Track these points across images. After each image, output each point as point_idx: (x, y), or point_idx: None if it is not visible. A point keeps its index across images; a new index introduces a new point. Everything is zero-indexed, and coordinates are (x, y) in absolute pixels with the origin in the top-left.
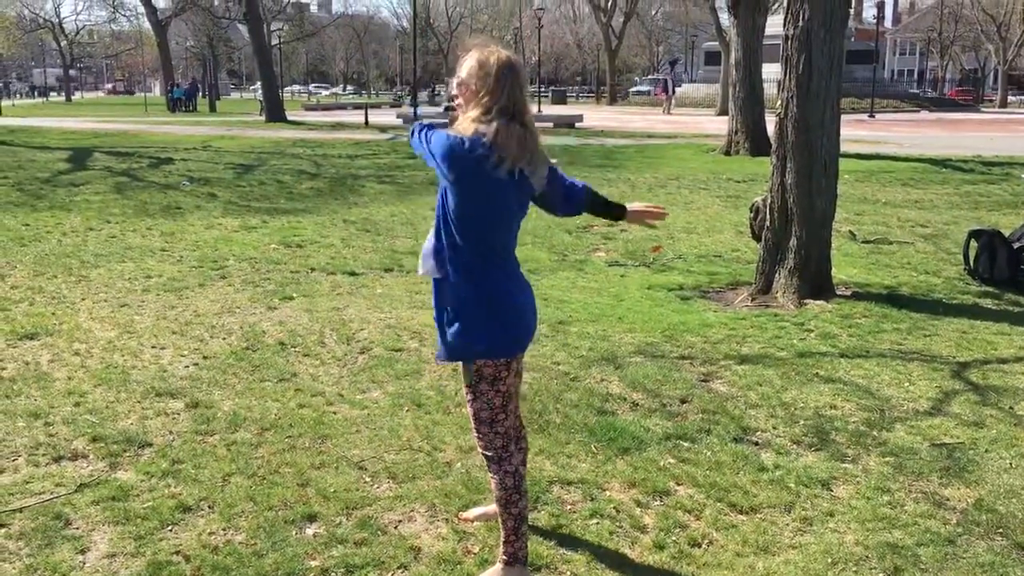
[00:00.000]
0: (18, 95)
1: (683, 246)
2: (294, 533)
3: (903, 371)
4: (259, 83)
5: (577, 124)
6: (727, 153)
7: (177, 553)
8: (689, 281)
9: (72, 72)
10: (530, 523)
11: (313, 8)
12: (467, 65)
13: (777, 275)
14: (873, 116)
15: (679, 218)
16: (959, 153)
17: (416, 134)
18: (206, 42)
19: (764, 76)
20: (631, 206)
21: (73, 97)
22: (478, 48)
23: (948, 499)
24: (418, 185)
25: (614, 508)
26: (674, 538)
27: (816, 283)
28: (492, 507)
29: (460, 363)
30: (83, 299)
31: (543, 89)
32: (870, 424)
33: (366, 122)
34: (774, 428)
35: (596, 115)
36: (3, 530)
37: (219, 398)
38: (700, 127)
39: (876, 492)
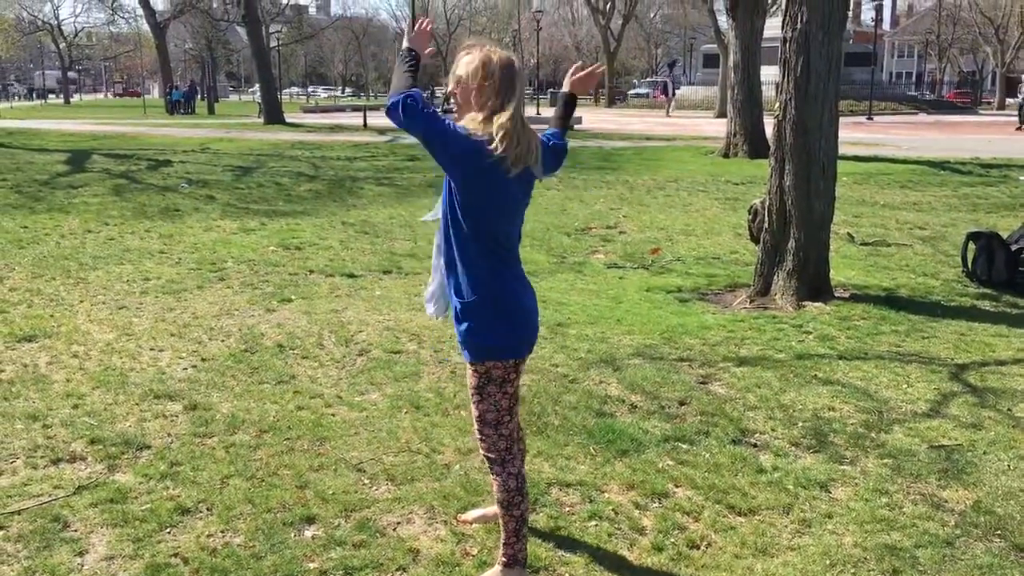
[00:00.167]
0: (16, 97)
1: (682, 248)
2: (293, 535)
3: (901, 373)
4: (257, 85)
5: (575, 126)
6: (726, 155)
7: (175, 555)
8: (688, 283)
9: (72, 74)
10: (529, 525)
11: (312, 10)
12: (469, 64)
13: (775, 277)
14: (871, 118)
15: (678, 220)
16: (957, 155)
17: (418, 112)
18: (205, 44)
19: (763, 78)
20: (568, 86)
21: (72, 99)
22: (478, 48)
23: (946, 501)
24: (416, 187)
25: (613, 510)
26: (673, 540)
27: (814, 285)
28: (491, 509)
29: (468, 364)
30: (81, 301)
31: (541, 91)
32: (868, 426)
33: (364, 124)
34: (772, 430)
35: (594, 117)
36: (1, 532)
37: (217, 400)
38: (699, 129)
39: (874, 494)
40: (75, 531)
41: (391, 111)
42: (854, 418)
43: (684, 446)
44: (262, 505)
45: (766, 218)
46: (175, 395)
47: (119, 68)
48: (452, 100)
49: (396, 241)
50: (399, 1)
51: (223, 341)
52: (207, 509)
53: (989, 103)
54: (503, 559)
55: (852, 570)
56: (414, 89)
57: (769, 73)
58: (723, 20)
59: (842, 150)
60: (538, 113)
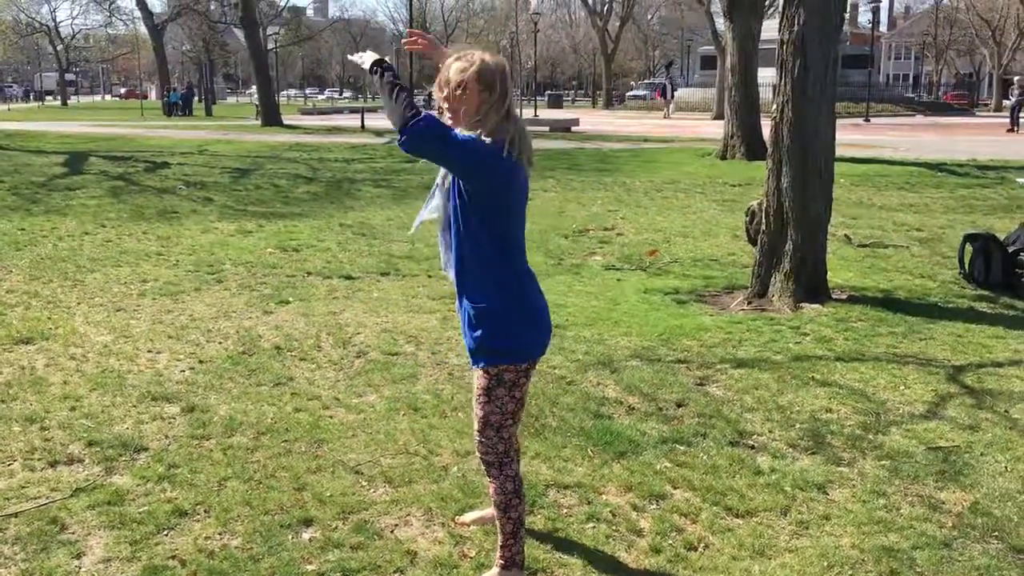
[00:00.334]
0: (14, 99)
1: (679, 250)
2: (290, 537)
3: (899, 375)
4: (255, 87)
5: (573, 128)
6: (723, 157)
7: (173, 558)
8: (685, 285)
9: (70, 76)
10: (527, 527)
11: (309, 12)
12: (465, 72)
13: (773, 279)
14: (868, 120)
15: (675, 222)
16: (954, 157)
17: (430, 132)
18: (202, 46)
19: (760, 80)
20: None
21: (69, 101)
22: (469, 54)
23: (944, 502)
24: (414, 189)
25: (610, 512)
26: (670, 542)
27: (812, 287)
28: (489, 511)
29: (477, 368)
30: (79, 303)
31: (539, 94)
32: (866, 428)
33: (362, 126)
34: (770, 432)
35: (592, 119)
36: None
37: (215, 402)
38: (696, 131)
39: (872, 495)
40: (72, 533)
41: (412, 141)
42: (851, 420)
43: (682, 448)
44: (260, 507)
45: (763, 220)
46: (172, 397)
47: (117, 70)
48: (441, 108)
49: (394, 243)
50: (396, 3)
51: (221, 343)
52: (204, 511)
53: (986, 105)
54: (500, 561)
55: (849, 571)
56: (423, 112)
57: (766, 75)
58: (720, 22)
59: (839, 152)
60: (536, 115)
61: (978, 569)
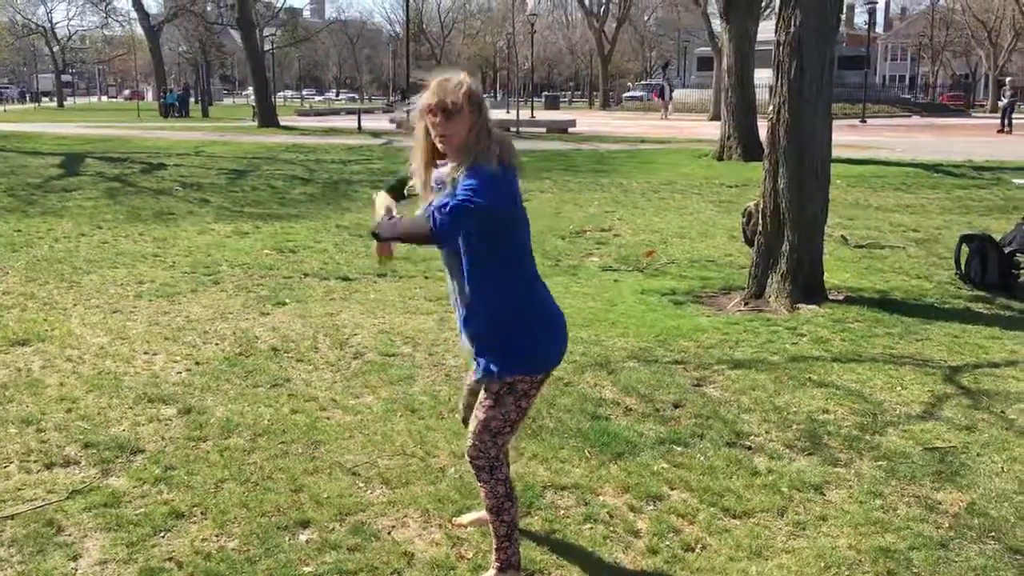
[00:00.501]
0: (10, 100)
1: (676, 251)
2: (287, 539)
3: (895, 375)
4: (252, 88)
5: (570, 129)
6: (720, 158)
7: (170, 559)
8: (682, 286)
9: (67, 77)
10: (524, 528)
11: (306, 13)
12: (458, 93)
13: (770, 280)
14: (865, 121)
15: (672, 223)
16: (950, 158)
17: (452, 219)
18: (199, 47)
19: (756, 81)
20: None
21: (65, 103)
22: (453, 76)
23: (940, 503)
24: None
25: (608, 513)
26: (667, 543)
27: (809, 288)
28: (485, 512)
29: (490, 377)
30: (75, 305)
31: (536, 95)
32: (862, 428)
33: (359, 127)
34: (767, 432)
35: (589, 120)
36: None
37: (212, 404)
38: (693, 132)
39: (869, 496)
40: (69, 536)
41: (446, 236)
42: (848, 420)
43: (679, 449)
44: (256, 509)
45: (760, 221)
46: (169, 399)
47: (113, 71)
48: (437, 130)
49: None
50: (393, 4)
51: (217, 345)
52: (201, 513)
53: (982, 106)
54: (496, 564)
55: (846, 572)
56: (430, 211)
57: (763, 76)
58: (717, 23)
59: (835, 153)
60: (532, 116)
61: (975, 570)
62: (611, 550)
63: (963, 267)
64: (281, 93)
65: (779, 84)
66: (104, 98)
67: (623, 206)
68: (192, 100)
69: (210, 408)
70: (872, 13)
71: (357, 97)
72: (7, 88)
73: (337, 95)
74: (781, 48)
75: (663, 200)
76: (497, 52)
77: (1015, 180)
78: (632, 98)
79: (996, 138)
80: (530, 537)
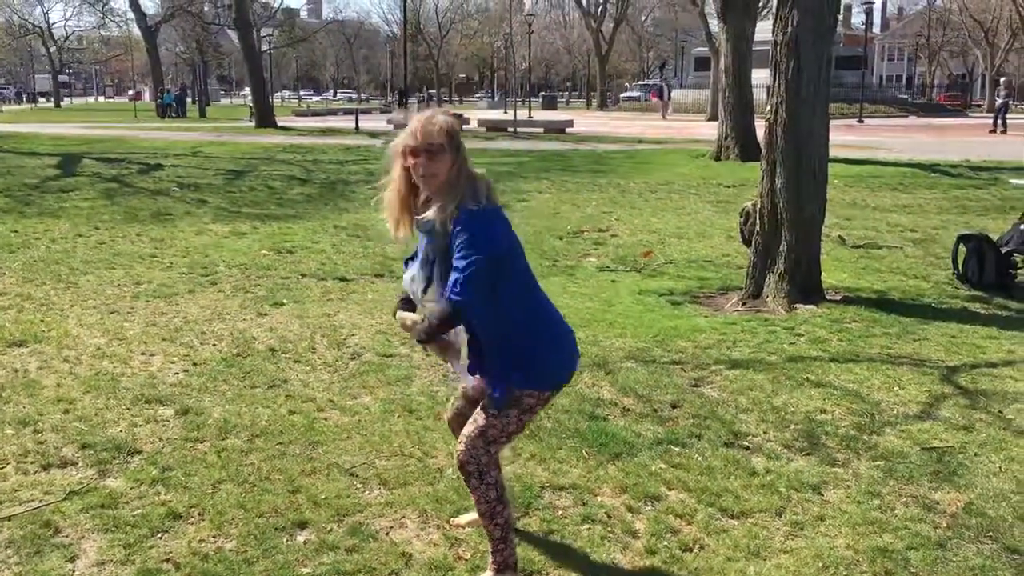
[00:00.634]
0: (6, 101)
1: (674, 251)
2: (285, 540)
3: (893, 375)
4: (249, 89)
5: (567, 129)
6: (717, 158)
7: (167, 561)
8: (680, 286)
9: (64, 78)
10: (521, 529)
11: (303, 14)
12: (437, 132)
13: (767, 280)
14: (862, 121)
15: (669, 223)
16: (947, 158)
17: (466, 291)
18: (196, 48)
19: (754, 81)
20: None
21: (62, 103)
22: (430, 115)
23: (938, 503)
24: None
25: (605, 513)
26: (665, 543)
27: (806, 288)
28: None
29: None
30: (72, 306)
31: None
32: (860, 428)
33: (356, 127)
34: (765, 433)
35: (586, 120)
36: None
37: (209, 405)
38: (690, 132)
39: (866, 496)
40: (66, 537)
41: (467, 307)
42: (846, 420)
43: (677, 449)
44: (254, 510)
45: (758, 221)
46: (166, 400)
47: (110, 72)
48: (419, 171)
49: (388, 245)
50: (391, 4)
51: (215, 345)
52: (199, 514)
53: (979, 106)
54: (493, 566)
55: (844, 572)
56: (447, 294)
57: (760, 76)
58: (714, 23)
59: (833, 153)
60: (530, 116)
61: (972, 569)
62: (609, 550)
63: (960, 267)
64: (278, 93)
65: (776, 84)
66: (101, 98)
67: (621, 206)
68: (189, 100)
69: (207, 409)
70: (869, 13)
71: (355, 96)
72: (4, 89)
73: (335, 95)
74: (778, 48)
75: (661, 200)
76: (494, 52)
77: (1012, 180)
78: (629, 98)
79: (993, 138)
80: (528, 537)
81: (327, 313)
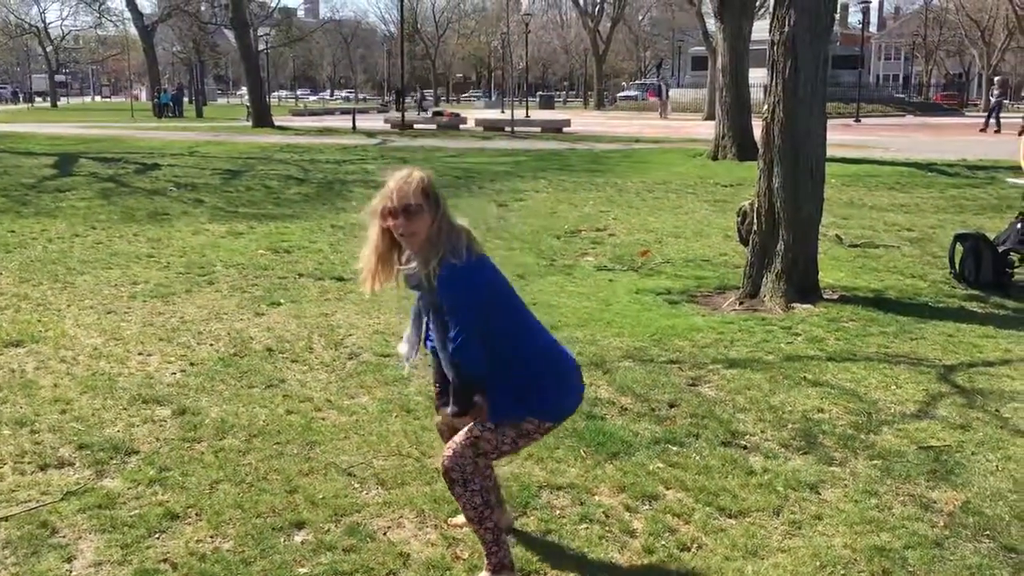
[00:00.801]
0: (3, 100)
1: (671, 250)
2: (282, 540)
3: (890, 374)
4: (246, 88)
5: (564, 129)
6: (714, 158)
7: (164, 561)
8: (677, 285)
9: (61, 77)
10: (519, 528)
11: (300, 13)
12: (412, 190)
13: (765, 279)
14: (859, 120)
15: (667, 222)
16: (944, 157)
17: (464, 350)
18: (192, 47)
19: (751, 81)
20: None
21: (59, 103)
22: (405, 173)
23: (935, 502)
24: None
25: (603, 513)
26: (663, 542)
27: (803, 287)
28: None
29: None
30: (69, 306)
31: (530, 94)
32: (857, 427)
33: (354, 127)
34: (762, 432)
35: (583, 120)
36: None
37: (206, 405)
38: (687, 132)
39: (864, 495)
40: (63, 537)
41: (471, 367)
42: (843, 419)
43: (674, 448)
44: (251, 510)
45: (755, 220)
46: (163, 400)
47: (107, 71)
48: (399, 229)
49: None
50: (388, 4)
51: (212, 345)
52: (196, 514)
53: (976, 105)
54: (489, 567)
55: (842, 571)
56: (451, 362)
57: (757, 75)
58: (711, 23)
59: (830, 152)
60: (527, 115)
61: (970, 568)
62: (607, 550)
63: (957, 266)
64: (275, 93)
65: (774, 83)
66: (98, 98)
67: (618, 206)
68: (186, 100)
69: (205, 409)
70: (866, 12)
71: (353, 95)
72: (1, 88)
73: (332, 94)
74: (776, 47)
75: (658, 200)
76: (492, 52)
77: (1009, 179)
78: (627, 98)
79: (986, 137)
80: (526, 537)
81: (324, 313)
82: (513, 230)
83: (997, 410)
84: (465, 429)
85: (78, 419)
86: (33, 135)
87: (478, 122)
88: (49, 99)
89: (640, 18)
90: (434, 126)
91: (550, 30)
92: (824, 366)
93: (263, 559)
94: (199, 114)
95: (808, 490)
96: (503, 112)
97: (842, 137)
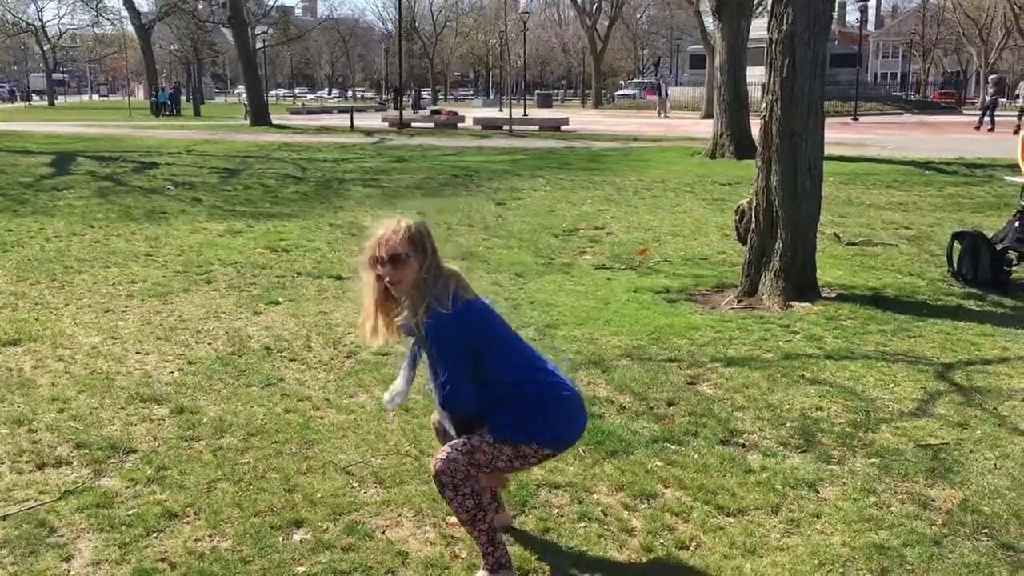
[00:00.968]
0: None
1: (669, 249)
2: (281, 539)
3: (888, 372)
4: (243, 87)
5: (562, 127)
6: (712, 156)
7: (163, 560)
8: (675, 284)
9: (59, 76)
10: (517, 527)
11: (298, 11)
12: (398, 240)
13: (763, 277)
14: (857, 119)
15: (665, 221)
16: (942, 155)
17: (453, 395)
18: (190, 46)
19: (749, 79)
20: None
21: (56, 101)
22: (393, 223)
23: (934, 500)
24: (404, 188)
25: (602, 511)
26: (662, 541)
27: (801, 285)
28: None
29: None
30: (66, 305)
31: (528, 93)
32: (856, 425)
33: (352, 126)
34: (760, 430)
35: (581, 118)
36: None
37: (204, 404)
38: (685, 130)
39: (862, 493)
40: (61, 536)
41: (463, 409)
42: (842, 418)
43: (673, 447)
44: (250, 509)
45: (753, 218)
46: (161, 399)
47: (104, 70)
48: (387, 278)
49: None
50: (385, 2)
51: (210, 344)
52: (194, 513)
53: (973, 103)
54: (486, 567)
55: (841, 569)
56: (443, 410)
57: (755, 74)
58: (709, 21)
59: (828, 150)
60: (525, 114)
61: (968, 566)
62: (605, 548)
63: (955, 264)
64: (273, 91)
65: (772, 82)
66: (95, 97)
67: (616, 204)
68: (184, 99)
69: (203, 408)
70: (864, 11)
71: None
72: (1, 86)
73: (329, 93)
74: (773, 46)
75: (656, 198)
76: (489, 50)
77: (1007, 177)
78: (624, 96)
79: (981, 135)
80: (524, 536)
81: (322, 311)
82: (511, 229)
83: (995, 408)
84: (465, 436)
85: (76, 418)
86: (30, 134)
87: (476, 120)
88: (46, 98)
89: (638, 16)
90: (432, 124)
91: (548, 28)
92: (822, 364)
93: (261, 558)
94: (197, 113)
95: (807, 488)
96: (501, 110)
97: (840, 135)
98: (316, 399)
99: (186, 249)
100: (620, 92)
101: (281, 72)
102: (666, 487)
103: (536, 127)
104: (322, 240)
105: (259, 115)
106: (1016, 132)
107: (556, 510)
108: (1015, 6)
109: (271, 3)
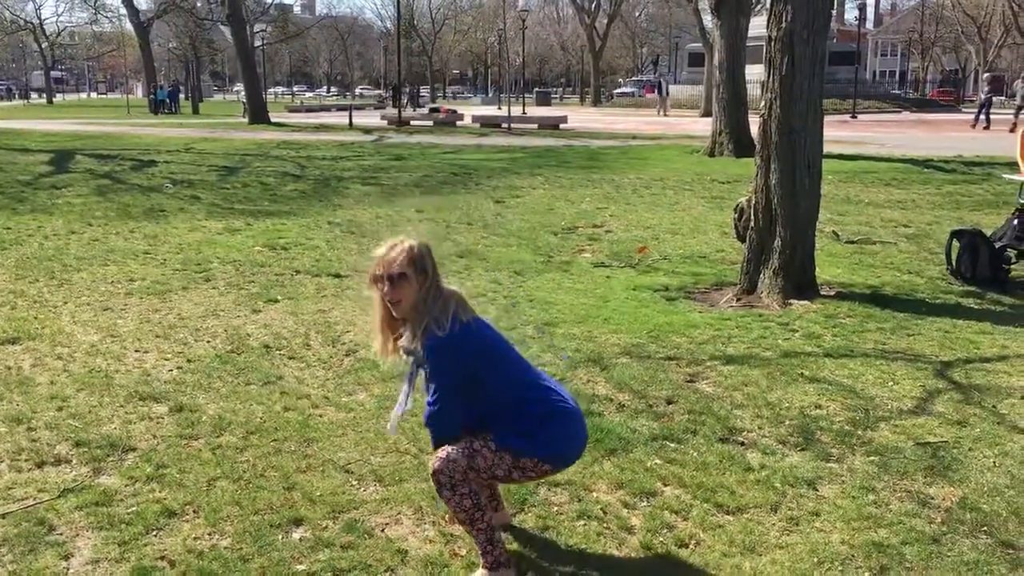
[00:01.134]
0: None
1: (668, 247)
2: (280, 537)
3: (887, 370)
4: (242, 85)
5: (561, 125)
6: (711, 154)
7: (162, 558)
8: (674, 282)
9: (58, 74)
10: (517, 525)
11: (296, 9)
12: (400, 260)
13: (762, 275)
14: (855, 117)
15: (664, 219)
16: (941, 153)
17: (438, 423)
18: (189, 44)
19: (748, 77)
20: None
21: (55, 99)
22: (396, 244)
23: (933, 498)
24: (403, 187)
25: (601, 509)
26: (661, 539)
27: (800, 283)
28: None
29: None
30: (65, 303)
31: (527, 91)
32: (855, 423)
33: (350, 123)
34: (760, 428)
35: (580, 116)
36: None
37: (203, 402)
38: (684, 128)
39: (861, 491)
40: (60, 534)
41: (450, 432)
42: (841, 416)
43: (672, 445)
44: (249, 507)
45: (752, 216)
46: (161, 397)
47: (103, 68)
48: (388, 297)
49: (383, 241)
50: (384, 0)
51: (209, 342)
52: (193, 511)
53: (972, 101)
54: (485, 566)
55: (840, 568)
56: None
57: (754, 72)
58: (708, 19)
59: (827, 148)
60: (524, 112)
61: (967, 564)
62: (604, 546)
63: (954, 262)
64: (272, 89)
65: (770, 80)
66: (94, 94)
67: (615, 202)
68: (182, 96)
69: (202, 406)
70: (863, 9)
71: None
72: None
73: (328, 91)
74: (772, 44)
75: (655, 196)
76: (488, 48)
77: (1005, 175)
78: (623, 94)
79: (977, 133)
80: (523, 534)
81: (321, 310)
82: (510, 227)
83: (994, 406)
84: (467, 439)
85: (75, 416)
86: (29, 131)
87: (475, 118)
88: (45, 95)
89: (636, 14)
90: (431, 122)
91: (547, 26)
92: (821, 362)
93: (261, 556)
94: (195, 111)
95: (806, 486)
96: (500, 108)
97: (839, 133)
98: (315, 397)
99: (185, 247)
100: (619, 90)
101: (280, 70)
102: (665, 485)
103: (535, 125)
104: (321, 238)
105: (258, 113)
106: (1012, 130)
107: (555, 508)
108: (1014, 4)
109: (270, 1)
